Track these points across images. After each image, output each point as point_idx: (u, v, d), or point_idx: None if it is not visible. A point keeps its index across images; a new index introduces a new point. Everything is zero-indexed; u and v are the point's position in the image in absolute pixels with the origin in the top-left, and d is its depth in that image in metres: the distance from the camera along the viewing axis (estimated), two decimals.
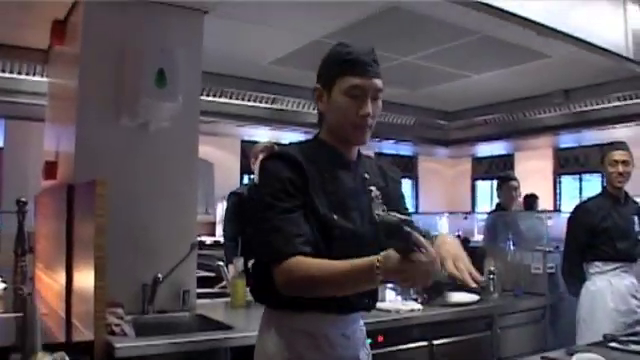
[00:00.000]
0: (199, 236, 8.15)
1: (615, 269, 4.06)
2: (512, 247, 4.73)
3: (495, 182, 10.36)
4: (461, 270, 1.73)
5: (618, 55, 4.46)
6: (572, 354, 2.38)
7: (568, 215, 4.42)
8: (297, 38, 4.58)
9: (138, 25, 3.57)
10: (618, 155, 4.11)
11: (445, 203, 11.88)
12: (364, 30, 4.22)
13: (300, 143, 2.11)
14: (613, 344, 2.65)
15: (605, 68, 4.88)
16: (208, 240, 8.40)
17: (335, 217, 1.93)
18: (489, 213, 6.25)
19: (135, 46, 3.44)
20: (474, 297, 4.11)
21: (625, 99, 7.17)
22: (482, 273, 4.49)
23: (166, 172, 3.63)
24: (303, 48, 4.77)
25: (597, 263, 4.11)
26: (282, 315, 1.96)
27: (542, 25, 3.75)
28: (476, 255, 4.71)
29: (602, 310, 3.96)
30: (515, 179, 5.95)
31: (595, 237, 4.12)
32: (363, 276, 1.71)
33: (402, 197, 2.27)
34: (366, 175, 2.10)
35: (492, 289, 4.44)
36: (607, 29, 4.40)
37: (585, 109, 7.89)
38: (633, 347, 2.60)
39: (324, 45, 4.57)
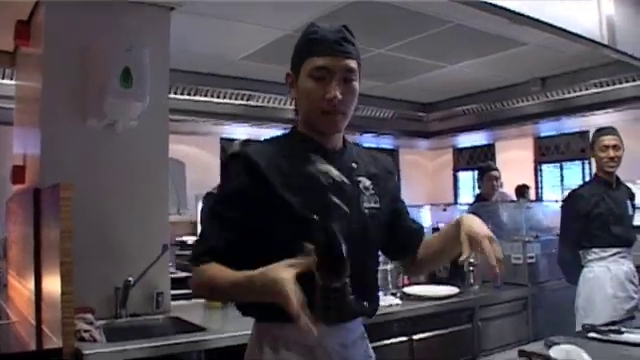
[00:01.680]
0: (180, 236, 8.14)
1: (614, 255, 4.06)
2: None
3: (476, 172, 10.48)
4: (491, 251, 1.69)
5: (593, 41, 4.45)
6: (550, 346, 2.35)
7: (551, 203, 4.40)
8: (267, 33, 4.54)
9: (101, 23, 3.48)
10: (608, 140, 4.11)
11: (427, 195, 11.88)
12: (334, 22, 4.19)
13: (275, 137, 1.95)
14: (592, 334, 2.63)
15: (581, 55, 4.89)
16: (189, 240, 8.31)
17: (316, 217, 1.69)
18: (470, 204, 6.22)
19: (99, 45, 3.35)
20: (453, 290, 4.08)
21: (602, 85, 7.21)
22: (462, 265, 4.48)
23: (136, 173, 3.56)
24: (274, 42, 4.74)
25: (595, 250, 4.10)
26: (274, 327, 1.77)
27: (514, 12, 3.72)
28: None
29: (601, 297, 3.95)
30: (496, 169, 5.95)
31: (590, 223, 4.11)
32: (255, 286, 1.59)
33: (398, 191, 2.11)
34: (354, 164, 1.91)
35: (472, 281, 4.42)
36: (581, 15, 4.37)
37: (563, 97, 7.94)
38: (612, 337, 2.59)
39: (295, 39, 4.55)
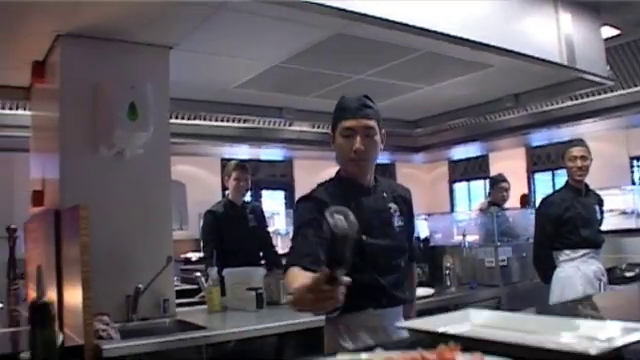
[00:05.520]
0: (184, 253, 8.52)
1: (583, 255, 4.37)
2: (466, 244, 5.10)
3: (471, 183, 10.84)
4: None
5: (552, 62, 4.78)
6: None
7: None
8: (256, 65, 4.91)
9: (109, 63, 3.96)
10: (576, 151, 4.46)
11: (425, 206, 12.15)
12: (316, 54, 4.55)
13: (326, 182, 2.54)
14: None
15: (547, 72, 5.21)
16: (194, 257, 8.65)
17: (364, 237, 2.33)
18: (481, 210, 6.59)
19: (107, 83, 3.82)
20: (429, 291, 4.46)
21: (576, 98, 7.59)
22: (441, 269, 4.89)
23: (142, 194, 4.01)
24: (263, 73, 5.10)
25: (566, 251, 4.42)
26: (348, 316, 2.33)
27: (473, 42, 4.11)
28: (435, 253, 5.11)
29: (572, 294, 4.15)
30: (506, 180, 6.50)
31: (561, 226, 4.44)
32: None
33: (411, 214, 2.69)
34: (384, 194, 2.54)
35: (449, 283, 4.82)
36: (541, 38, 4.71)
37: (542, 110, 8.32)
38: None
39: (282, 69, 4.99)
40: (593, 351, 1.11)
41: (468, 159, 12.34)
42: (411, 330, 1.65)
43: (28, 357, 0.93)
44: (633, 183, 9.22)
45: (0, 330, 3.79)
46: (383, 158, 11.65)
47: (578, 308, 2.54)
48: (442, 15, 3.96)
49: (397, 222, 2.52)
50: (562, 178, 10.57)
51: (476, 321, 1.65)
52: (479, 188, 12.10)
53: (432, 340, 1.10)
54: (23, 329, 3.77)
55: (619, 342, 1.16)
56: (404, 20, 3.72)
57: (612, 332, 1.29)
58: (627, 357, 1.18)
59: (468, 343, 1.10)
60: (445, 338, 1.08)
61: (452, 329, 1.48)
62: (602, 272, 4.47)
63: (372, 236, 2.39)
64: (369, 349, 1.09)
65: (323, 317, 2.47)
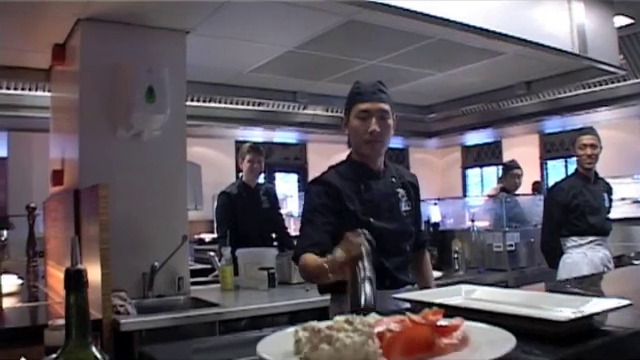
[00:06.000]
0: (198, 234, 8.66)
1: (590, 242, 4.46)
2: (475, 229, 5.19)
3: (484, 169, 10.85)
4: None
5: (564, 51, 4.81)
6: None
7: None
8: (270, 50, 4.97)
9: (128, 47, 4.05)
10: (586, 139, 4.54)
11: (438, 191, 12.21)
12: (329, 40, 4.61)
13: (338, 165, 2.65)
14: None
15: (559, 60, 5.25)
16: (207, 237, 8.80)
17: (372, 220, 2.44)
18: (491, 196, 6.64)
19: (126, 66, 3.92)
20: (437, 274, 4.53)
21: (589, 87, 7.62)
22: (450, 253, 4.99)
23: (159, 175, 4.12)
24: (277, 58, 5.17)
25: (574, 237, 4.50)
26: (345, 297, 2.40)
27: (486, 30, 4.16)
28: (445, 237, 5.21)
29: None
30: (519, 167, 6.51)
31: (569, 213, 4.52)
32: (323, 272, 2.16)
33: (418, 204, 2.77)
34: (393, 179, 2.63)
35: (457, 267, 4.91)
36: (553, 27, 4.74)
37: (555, 97, 8.34)
38: None
39: (296, 54, 5.07)
40: (562, 318, 1.21)
41: (481, 145, 12.37)
42: (407, 301, 1.75)
43: (62, 323, 1.02)
44: None
45: (20, 304, 3.91)
46: (396, 143, 11.73)
47: (576, 286, 2.62)
48: (455, 3, 4.00)
49: (404, 207, 2.60)
50: (574, 165, 10.68)
51: (468, 295, 1.75)
52: (492, 174, 12.13)
53: None
54: (42, 304, 3.93)
55: (587, 311, 1.26)
56: (417, 8, 3.76)
57: (591, 305, 1.36)
58: (599, 327, 1.27)
59: (459, 313, 1.20)
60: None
61: (446, 301, 1.58)
62: (609, 259, 4.54)
63: (380, 219, 2.48)
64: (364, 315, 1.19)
65: (329, 297, 2.55)
